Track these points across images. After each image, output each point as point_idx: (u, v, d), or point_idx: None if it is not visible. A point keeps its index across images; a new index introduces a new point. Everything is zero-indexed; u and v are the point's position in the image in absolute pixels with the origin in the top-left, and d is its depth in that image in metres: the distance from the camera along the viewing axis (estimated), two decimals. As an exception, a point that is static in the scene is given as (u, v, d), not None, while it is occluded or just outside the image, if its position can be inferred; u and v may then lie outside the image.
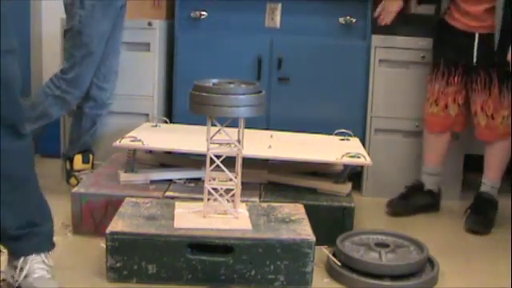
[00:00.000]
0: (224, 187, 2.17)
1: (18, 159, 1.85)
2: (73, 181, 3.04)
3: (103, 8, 2.83)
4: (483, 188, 2.87)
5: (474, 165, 3.29)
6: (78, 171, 3.07)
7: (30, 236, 1.90)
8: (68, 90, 2.87)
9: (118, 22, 2.97)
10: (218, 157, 2.12)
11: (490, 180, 2.87)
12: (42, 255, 1.92)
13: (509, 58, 2.61)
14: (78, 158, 3.07)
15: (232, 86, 2.10)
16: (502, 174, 2.88)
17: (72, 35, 2.84)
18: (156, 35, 3.18)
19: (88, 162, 3.10)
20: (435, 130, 2.90)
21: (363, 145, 2.90)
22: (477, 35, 2.73)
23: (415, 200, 2.91)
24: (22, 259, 1.89)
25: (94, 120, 3.06)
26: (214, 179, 2.18)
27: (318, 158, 2.59)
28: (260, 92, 2.09)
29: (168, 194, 2.51)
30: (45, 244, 1.95)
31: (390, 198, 2.95)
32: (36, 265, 1.89)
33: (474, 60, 2.74)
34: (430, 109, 2.88)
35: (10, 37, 1.79)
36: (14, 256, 1.91)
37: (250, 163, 2.48)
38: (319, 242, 2.11)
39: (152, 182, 2.62)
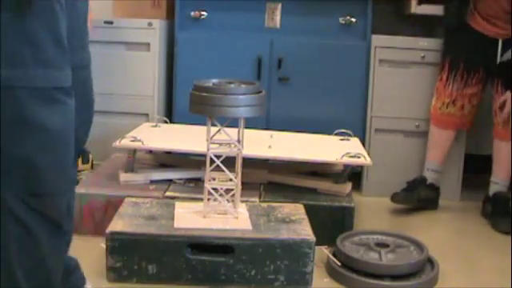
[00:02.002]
0: (224, 187, 2.17)
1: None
2: (73, 181, 3.04)
3: None
4: (499, 188, 2.88)
5: (473, 165, 3.30)
6: (78, 171, 3.07)
7: None
8: None
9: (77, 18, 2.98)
10: (218, 157, 2.11)
11: (503, 180, 2.89)
12: None
13: None
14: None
15: (232, 85, 2.10)
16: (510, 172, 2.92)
17: None
18: (156, 35, 3.18)
19: (88, 162, 3.10)
20: (448, 128, 2.92)
21: (363, 145, 2.89)
22: (500, 42, 2.80)
23: (419, 192, 2.92)
24: None
25: None
26: (213, 179, 2.17)
27: (318, 158, 2.59)
28: (260, 92, 2.09)
29: (168, 194, 2.51)
30: None
31: (389, 198, 2.94)
32: None
33: (495, 65, 2.81)
34: (447, 109, 2.89)
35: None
36: None
37: (250, 163, 2.48)
38: (319, 242, 2.11)
39: (152, 181, 2.62)
